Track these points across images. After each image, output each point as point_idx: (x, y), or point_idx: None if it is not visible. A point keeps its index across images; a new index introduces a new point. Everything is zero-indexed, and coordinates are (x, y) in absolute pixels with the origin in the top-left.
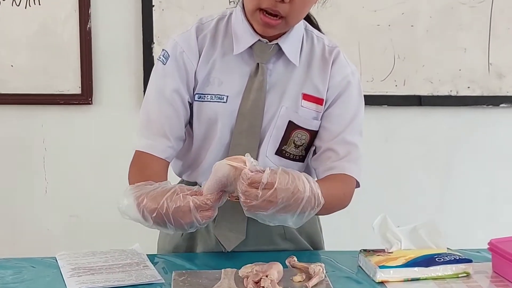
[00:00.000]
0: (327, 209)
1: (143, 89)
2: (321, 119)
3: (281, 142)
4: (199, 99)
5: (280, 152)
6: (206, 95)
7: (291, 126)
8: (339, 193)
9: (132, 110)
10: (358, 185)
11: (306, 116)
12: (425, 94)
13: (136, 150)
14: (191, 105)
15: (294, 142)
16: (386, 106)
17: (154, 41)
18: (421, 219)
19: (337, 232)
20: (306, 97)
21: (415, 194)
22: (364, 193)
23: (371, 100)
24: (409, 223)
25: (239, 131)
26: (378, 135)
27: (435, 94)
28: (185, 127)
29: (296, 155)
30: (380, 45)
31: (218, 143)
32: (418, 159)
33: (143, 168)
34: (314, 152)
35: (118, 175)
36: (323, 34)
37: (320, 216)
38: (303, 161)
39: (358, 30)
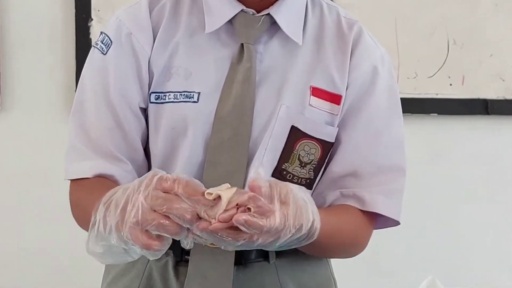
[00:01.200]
0: (326, 251)
1: (74, 88)
2: (338, 127)
3: (280, 158)
4: (156, 101)
5: (279, 173)
6: (167, 94)
7: (295, 134)
8: (349, 233)
9: (58, 118)
10: (394, 223)
11: (317, 119)
12: (494, 97)
13: (71, 182)
14: (145, 110)
15: (299, 158)
16: (435, 114)
17: (92, 16)
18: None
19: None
20: (317, 92)
21: (476, 240)
22: (397, 236)
23: (413, 106)
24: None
25: (217, 144)
26: (423, 156)
27: (508, 97)
28: (144, 143)
29: (301, 178)
30: (427, 24)
31: (187, 163)
32: (482, 188)
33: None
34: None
35: (41, 205)
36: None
37: (332, 261)
38: (310, 188)
39: (394, 2)
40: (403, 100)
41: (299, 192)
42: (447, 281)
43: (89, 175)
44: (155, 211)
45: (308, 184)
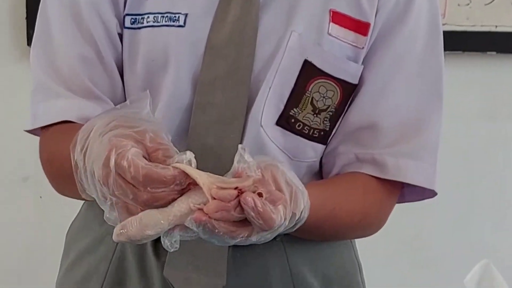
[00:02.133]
0: (319, 237)
1: (25, 21)
2: (363, 63)
3: (288, 101)
4: (132, 25)
5: (286, 121)
6: (145, 16)
7: (309, 71)
8: (352, 214)
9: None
10: (430, 194)
11: (337, 53)
12: None
13: (41, 132)
14: (120, 36)
15: (312, 103)
16: (494, 53)
17: None
18: None
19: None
20: (338, 17)
21: None
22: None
23: (465, 42)
24: None
25: (209, 81)
26: (476, 108)
27: None
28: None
29: (314, 129)
30: None
31: (169, 105)
32: None
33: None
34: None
35: None
36: None
37: (357, 245)
38: (324, 142)
39: None
40: (452, 34)
41: (288, 172)
42: (505, 267)
43: (64, 117)
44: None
45: (322, 137)
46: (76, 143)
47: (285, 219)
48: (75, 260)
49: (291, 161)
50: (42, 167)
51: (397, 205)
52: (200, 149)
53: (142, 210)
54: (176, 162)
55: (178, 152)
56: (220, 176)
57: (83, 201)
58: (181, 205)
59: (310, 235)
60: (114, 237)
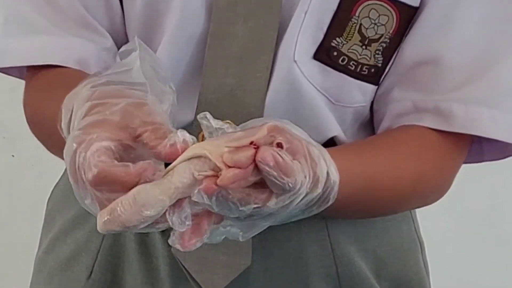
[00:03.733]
0: (377, 209)
1: None
2: None
3: (329, 29)
4: None
5: (326, 54)
6: None
7: None
8: (399, 182)
9: None
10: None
11: None
12: None
13: (25, 77)
14: None
15: (361, 31)
16: None
17: None
18: None
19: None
20: None
21: None
22: None
23: None
24: None
25: (228, 3)
26: None
27: None
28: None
29: (362, 65)
30: None
31: (176, 36)
32: None
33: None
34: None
35: None
36: None
37: (422, 238)
38: (375, 82)
39: None
40: None
41: (302, 134)
42: None
43: (47, 59)
44: None
45: (373, 75)
46: (61, 123)
47: (306, 176)
48: (59, 235)
49: (332, 105)
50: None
51: (466, 171)
52: (216, 90)
53: None
54: (170, 145)
55: (172, 128)
56: (225, 134)
57: None
58: (182, 175)
59: (347, 213)
60: (100, 227)
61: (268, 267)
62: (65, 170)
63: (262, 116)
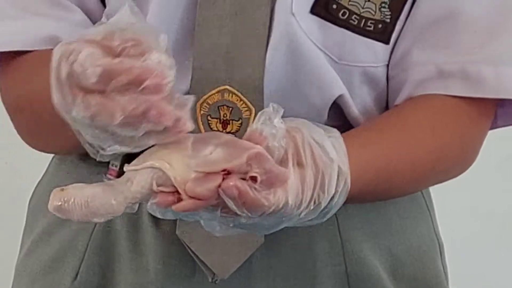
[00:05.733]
0: (394, 193)
1: None
2: None
3: None
4: None
5: (324, 8)
6: None
7: None
8: (422, 159)
9: None
10: None
11: None
12: None
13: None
14: None
15: None
16: None
17: None
18: None
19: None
20: None
21: None
22: None
23: None
24: None
25: None
26: None
27: None
28: None
29: (366, 19)
30: None
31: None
32: None
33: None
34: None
35: None
36: None
37: (440, 231)
38: (386, 41)
39: None
40: None
41: (322, 138)
42: None
43: (24, 45)
44: None
45: (381, 32)
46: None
47: (301, 202)
48: (42, 236)
49: (336, 64)
50: (9, 117)
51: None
52: (211, 53)
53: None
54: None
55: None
56: (209, 135)
57: (51, 158)
58: (143, 184)
59: (361, 202)
60: (50, 207)
61: (272, 265)
62: (48, 166)
63: (262, 78)
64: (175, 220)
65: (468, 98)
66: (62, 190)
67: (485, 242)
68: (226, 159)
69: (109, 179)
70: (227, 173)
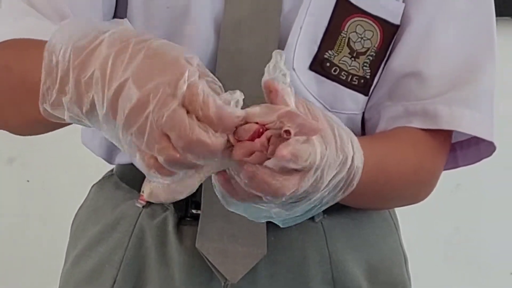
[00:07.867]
0: (371, 200)
1: None
2: (404, 1)
3: (322, 42)
4: None
5: (320, 66)
6: None
7: (344, 8)
8: (406, 169)
9: None
10: (487, 152)
11: None
12: None
13: None
14: None
15: (349, 45)
16: None
17: None
18: None
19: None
20: None
21: None
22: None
23: None
24: None
25: (233, 23)
26: None
27: None
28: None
29: (352, 75)
30: None
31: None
32: None
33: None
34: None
35: None
36: None
37: (402, 240)
38: (366, 93)
39: None
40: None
41: (332, 115)
42: None
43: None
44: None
45: (362, 86)
46: (55, 49)
47: (323, 157)
48: (83, 251)
49: (328, 112)
50: None
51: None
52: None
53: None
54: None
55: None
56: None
57: (91, 187)
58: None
59: (363, 198)
60: (146, 197)
61: (274, 273)
62: (88, 193)
63: None
64: (195, 236)
65: (431, 131)
66: (149, 182)
67: (434, 259)
68: (259, 114)
69: (140, 203)
70: (263, 130)
